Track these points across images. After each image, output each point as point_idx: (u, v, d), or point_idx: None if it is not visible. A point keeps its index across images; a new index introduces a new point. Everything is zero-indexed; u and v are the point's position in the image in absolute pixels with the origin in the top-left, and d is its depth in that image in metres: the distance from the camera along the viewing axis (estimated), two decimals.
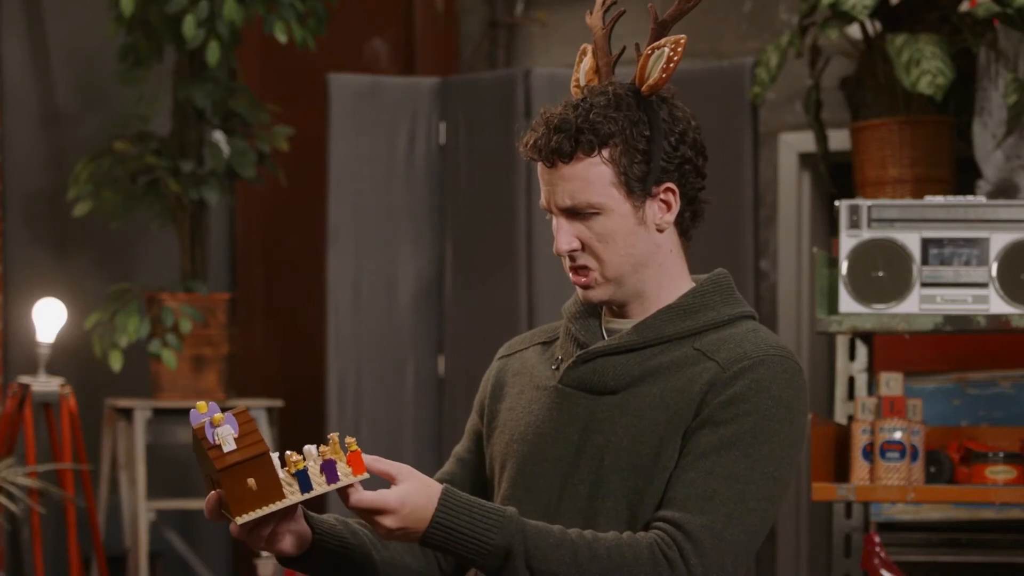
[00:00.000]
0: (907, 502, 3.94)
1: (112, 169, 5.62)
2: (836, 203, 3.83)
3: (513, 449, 2.44)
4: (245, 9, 5.38)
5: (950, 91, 4.54)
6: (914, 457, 3.73)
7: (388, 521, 2.20)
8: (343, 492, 2.20)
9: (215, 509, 2.23)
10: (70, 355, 5.67)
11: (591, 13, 2.49)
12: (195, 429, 2.16)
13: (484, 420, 2.54)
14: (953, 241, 3.77)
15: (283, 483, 2.18)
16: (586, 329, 2.45)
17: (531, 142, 2.39)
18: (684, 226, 2.43)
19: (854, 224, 3.79)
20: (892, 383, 3.79)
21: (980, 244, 3.77)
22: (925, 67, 4.38)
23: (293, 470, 2.17)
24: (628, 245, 2.38)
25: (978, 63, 4.56)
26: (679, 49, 2.38)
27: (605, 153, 2.35)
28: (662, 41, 2.40)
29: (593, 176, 2.36)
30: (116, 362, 5.47)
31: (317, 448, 2.20)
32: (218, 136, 5.61)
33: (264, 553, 4.76)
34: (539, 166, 2.40)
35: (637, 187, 2.37)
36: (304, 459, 2.19)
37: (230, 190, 5.75)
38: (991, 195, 4.51)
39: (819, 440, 3.80)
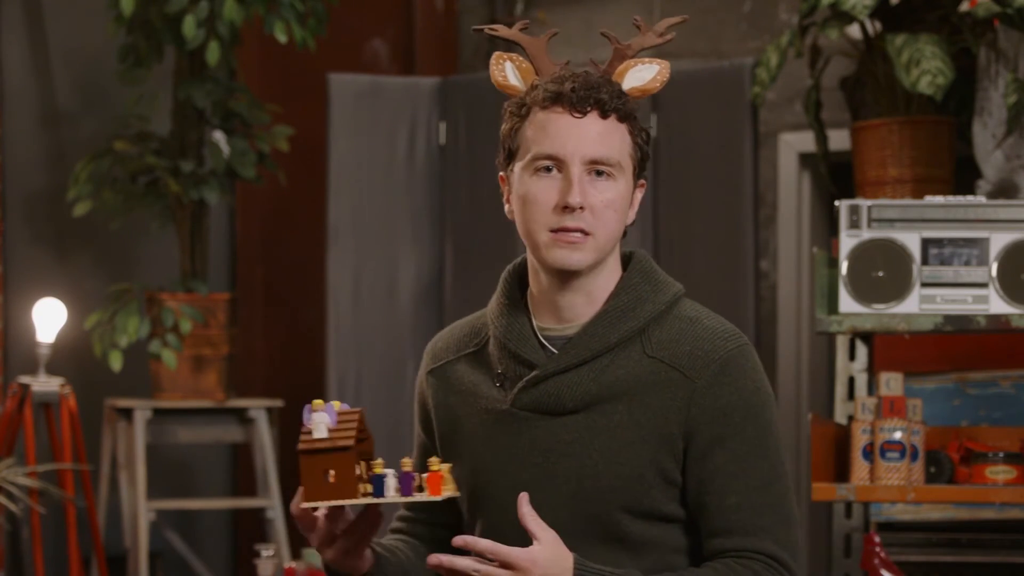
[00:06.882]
0: (907, 502, 3.94)
1: (112, 169, 5.62)
2: (836, 203, 3.83)
3: (481, 481, 2.41)
4: (245, 9, 5.38)
5: (950, 91, 4.53)
6: (914, 457, 3.73)
7: None
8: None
9: (297, 503, 2.28)
10: (70, 355, 5.67)
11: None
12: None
13: (438, 444, 2.50)
14: (953, 241, 3.77)
15: (362, 488, 2.24)
16: (522, 342, 2.41)
17: (566, 89, 2.36)
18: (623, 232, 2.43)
19: (854, 224, 3.79)
20: (892, 383, 3.78)
21: (980, 244, 3.77)
22: (925, 67, 4.37)
23: (371, 474, 2.23)
24: (619, 220, 2.38)
25: (978, 63, 4.56)
26: (667, 73, 2.43)
27: (628, 126, 2.38)
28: (647, 59, 2.43)
29: (621, 140, 2.37)
30: (116, 362, 5.46)
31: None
32: (218, 136, 5.61)
33: (265, 552, 4.77)
34: (548, 117, 2.36)
35: (639, 169, 2.40)
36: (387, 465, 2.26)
37: (230, 190, 5.74)
38: (991, 195, 4.51)
39: (819, 440, 3.79)
